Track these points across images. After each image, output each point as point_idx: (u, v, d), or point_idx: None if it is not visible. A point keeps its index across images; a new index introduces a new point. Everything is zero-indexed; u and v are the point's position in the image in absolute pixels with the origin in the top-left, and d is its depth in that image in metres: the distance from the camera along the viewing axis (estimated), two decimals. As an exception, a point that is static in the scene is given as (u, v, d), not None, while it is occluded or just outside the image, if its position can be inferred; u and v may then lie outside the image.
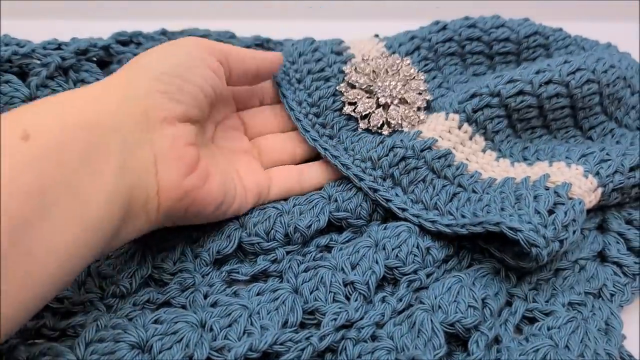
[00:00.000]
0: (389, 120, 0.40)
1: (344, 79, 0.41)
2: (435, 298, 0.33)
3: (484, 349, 0.31)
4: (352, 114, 0.40)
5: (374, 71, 0.41)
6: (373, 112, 0.40)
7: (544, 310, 0.34)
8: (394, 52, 0.43)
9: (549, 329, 0.32)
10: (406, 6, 0.56)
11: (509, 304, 0.35)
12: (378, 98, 0.40)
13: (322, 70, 0.41)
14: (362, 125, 0.40)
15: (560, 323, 0.33)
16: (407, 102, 0.41)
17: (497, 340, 0.32)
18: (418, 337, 0.31)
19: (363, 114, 0.40)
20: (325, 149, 0.39)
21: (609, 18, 0.54)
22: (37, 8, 0.52)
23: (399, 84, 0.41)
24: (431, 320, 0.31)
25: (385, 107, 0.40)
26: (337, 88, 0.41)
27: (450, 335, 0.32)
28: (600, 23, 0.49)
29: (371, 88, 0.41)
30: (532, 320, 0.34)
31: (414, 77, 0.42)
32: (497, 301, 0.34)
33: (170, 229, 0.35)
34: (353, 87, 0.41)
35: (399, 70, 0.42)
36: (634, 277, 0.37)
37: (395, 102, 0.40)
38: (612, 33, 0.46)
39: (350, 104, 0.41)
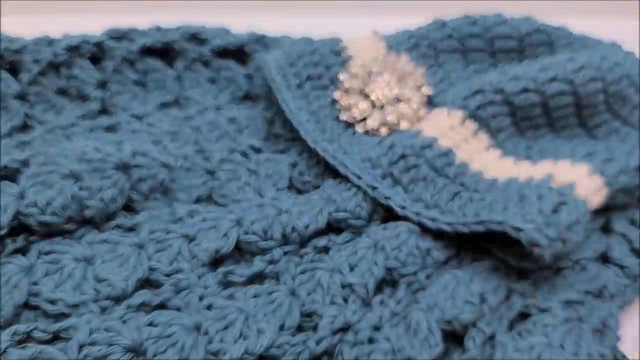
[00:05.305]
0: (385, 120, 0.40)
1: (339, 87, 0.41)
2: (431, 296, 0.32)
3: (480, 346, 0.31)
4: (349, 119, 0.41)
5: (368, 74, 0.41)
6: (369, 114, 0.40)
7: (540, 306, 0.34)
8: (392, 51, 0.43)
9: (544, 327, 0.32)
10: (406, 4, 0.55)
11: (506, 298, 0.34)
12: (373, 100, 0.40)
13: (321, 77, 0.41)
14: (359, 129, 0.40)
15: (556, 322, 0.32)
16: (403, 99, 0.41)
17: (491, 335, 0.32)
18: (414, 336, 0.31)
19: (359, 118, 0.40)
20: (325, 150, 0.39)
21: (612, 15, 0.53)
22: (28, 4, 0.52)
23: (393, 82, 0.41)
24: (427, 319, 0.31)
25: (381, 107, 0.40)
26: (332, 96, 0.41)
27: (448, 333, 0.32)
28: (603, 20, 0.49)
29: (366, 91, 0.41)
30: (525, 316, 0.34)
31: (411, 73, 0.42)
32: (496, 296, 0.33)
33: (170, 227, 0.34)
34: (348, 92, 0.41)
35: (394, 69, 0.41)
36: (635, 279, 0.37)
37: (391, 101, 0.40)
38: (615, 30, 0.46)
39: (346, 109, 0.41)
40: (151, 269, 0.34)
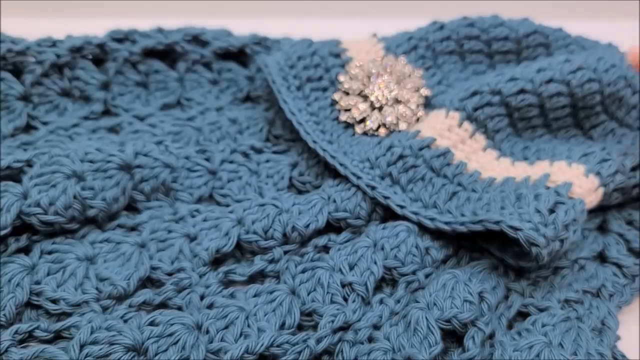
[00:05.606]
0: (384, 121, 0.40)
1: (339, 88, 0.42)
2: (430, 295, 0.32)
3: (479, 345, 0.31)
4: (348, 120, 0.41)
5: (367, 76, 0.41)
6: (368, 115, 0.41)
7: (539, 305, 0.34)
8: (391, 53, 0.43)
9: (543, 326, 0.32)
10: (405, 5, 0.55)
11: (505, 297, 0.34)
12: (372, 101, 0.41)
13: (321, 78, 0.42)
14: (359, 129, 0.41)
15: (555, 321, 0.32)
16: (402, 101, 0.41)
17: (490, 334, 0.32)
18: (414, 335, 0.31)
19: (358, 119, 0.41)
20: (325, 150, 0.39)
21: (608, 16, 0.54)
22: (32, 6, 0.52)
23: (392, 84, 0.41)
24: (426, 318, 0.31)
25: (380, 109, 0.41)
26: (332, 97, 0.41)
27: (447, 332, 0.32)
28: (599, 22, 0.49)
29: (365, 92, 0.41)
30: (524, 315, 0.34)
31: (410, 75, 0.42)
32: (495, 295, 0.33)
33: (171, 226, 0.34)
34: (348, 94, 0.41)
35: (393, 70, 0.42)
36: (633, 279, 0.37)
37: (390, 102, 0.41)
38: (611, 31, 0.46)
39: (346, 110, 0.41)
40: (153, 268, 0.34)
